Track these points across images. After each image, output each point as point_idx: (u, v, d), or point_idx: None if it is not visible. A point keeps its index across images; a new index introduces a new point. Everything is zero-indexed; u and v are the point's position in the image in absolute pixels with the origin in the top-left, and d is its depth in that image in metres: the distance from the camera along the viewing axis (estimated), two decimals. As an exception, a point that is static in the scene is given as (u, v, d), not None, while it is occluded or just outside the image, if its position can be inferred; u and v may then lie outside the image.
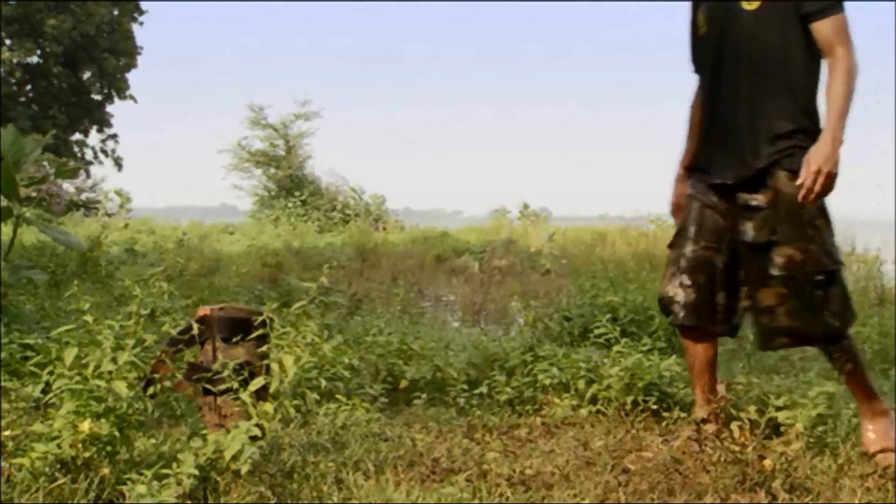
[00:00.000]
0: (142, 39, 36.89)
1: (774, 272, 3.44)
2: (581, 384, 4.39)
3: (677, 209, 3.81)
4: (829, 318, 3.46)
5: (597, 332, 5.19)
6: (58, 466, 2.85)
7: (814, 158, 3.30)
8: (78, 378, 2.93)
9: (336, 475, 3.14)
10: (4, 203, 5.45)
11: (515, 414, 4.31)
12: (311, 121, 25.04)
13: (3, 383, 3.56)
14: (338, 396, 4.21)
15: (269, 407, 3.54)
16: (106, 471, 2.85)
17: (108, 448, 2.92)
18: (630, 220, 20.96)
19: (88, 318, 3.12)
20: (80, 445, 2.86)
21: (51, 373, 3.06)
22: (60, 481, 2.79)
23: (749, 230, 3.51)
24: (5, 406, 3.27)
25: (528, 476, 3.20)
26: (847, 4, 3.46)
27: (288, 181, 24.17)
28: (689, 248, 3.66)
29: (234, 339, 3.26)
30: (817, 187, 3.30)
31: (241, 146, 24.98)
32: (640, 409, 4.25)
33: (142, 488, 2.71)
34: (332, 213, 23.13)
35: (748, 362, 5.34)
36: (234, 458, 2.87)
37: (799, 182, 3.33)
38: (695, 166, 3.73)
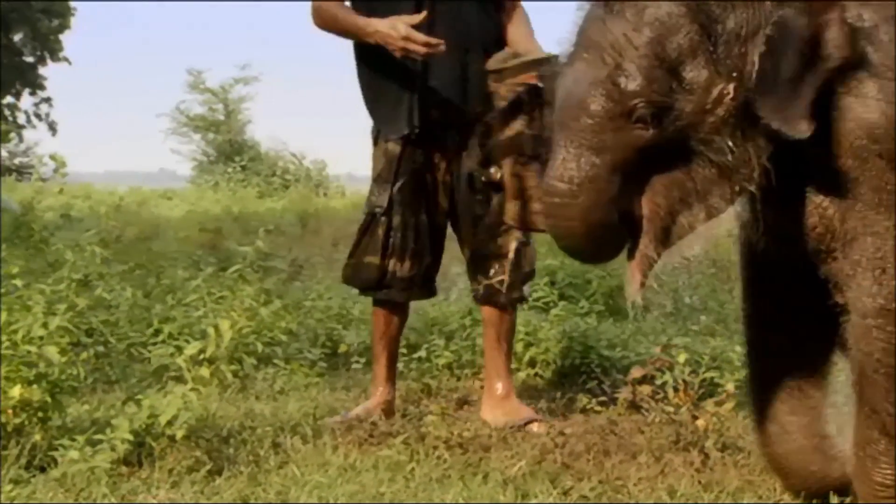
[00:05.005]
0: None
1: None
2: (519, 347, 4.41)
3: None
4: None
5: (535, 295, 5.22)
6: (-12, 433, 2.81)
7: None
8: (8, 343, 2.87)
9: (273, 439, 3.13)
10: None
11: (454, 377, 4.33)
12: (250, 85, 24.74)
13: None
14: (276, 361, 4.19)
15: (205, 371, 3.52)
16: (38, 437, 2.81)
17: (40, 414, 2.87)
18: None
19: (18, 282, 3.06)
20: (10, 412, 2.81)
21: (-21, 339, 3.00)
22: (-9, 448, 2.75)
23: None
24: (-67, 373, 3.20)
25: (465, 439, 3.22)
26: None
27: (227, 146, 23.87)
28: None
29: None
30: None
31: (179, 111, 24.62)
32: (579, 372, 4.29)
33: (74, 454, 2.69)
34: (273, 178, 22.91)
35: (684, 325, 5.42)
36: (170, 422, 2.85)
37: None
38: None
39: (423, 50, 3.29)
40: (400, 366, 4.42)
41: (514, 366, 4.32)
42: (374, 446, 3.12)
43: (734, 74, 2.08)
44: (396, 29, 3.29)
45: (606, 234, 2.16)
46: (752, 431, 3.36)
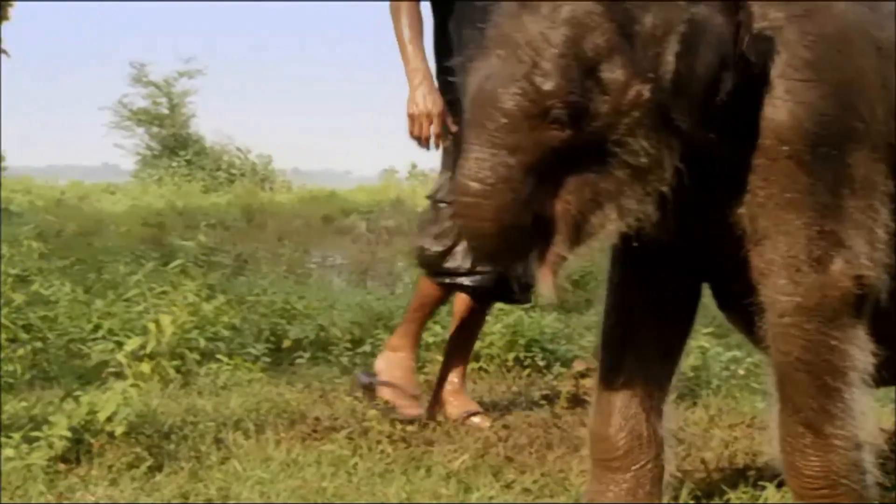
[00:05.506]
0: (16, -9, 35.45)
1: None
2: (464, 341, 4.42)
3: None
4: None
5: (480, 290, 5.22)
6: (-79, 431, 2.76)
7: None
8: (-59, 340, 2.83)
9: (215, 435, 3.10)
10: None
11: (399, 372, 4.32)
12: (195, 78, 24.49)
13: None
14: (219, 357, 4.15)
15: (145, 367, 3.49)
16: (-28, 434, 2.76)
17: (-25, 411, 2.83)
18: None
19: (-50, 278, 3.01)
20: (-56, 409, 2.76)
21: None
22: (-76, 446, 2.70)
23: None
24: None
25: (409, 433, 3.22)
26: None
27: (172, 140, 23.59)
28: None
29: None
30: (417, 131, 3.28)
31: (122, 104, 24.29)
32: (523, 366, 4.32)
33: (10, 451, 2.65)
34: (218, 172, 22.70)
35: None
36: (109, 419, 2.82)
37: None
38: None
39: (425, 136, 3.26)
40: (344, 360, 4.43)
41: (458, 360, 4.34)
42: (317, 441, 3.10)
43: (650, 75, 2.05)
44: (426, 101, 3.24)
45: (518, 234, 2.12)
46: (684, 420, 3.43)
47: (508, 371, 4.28)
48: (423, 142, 3.29)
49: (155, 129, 24.12)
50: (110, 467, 2.74)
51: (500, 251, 2.18)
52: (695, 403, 3.77)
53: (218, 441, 3.05)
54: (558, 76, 2.02)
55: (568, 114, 2.03)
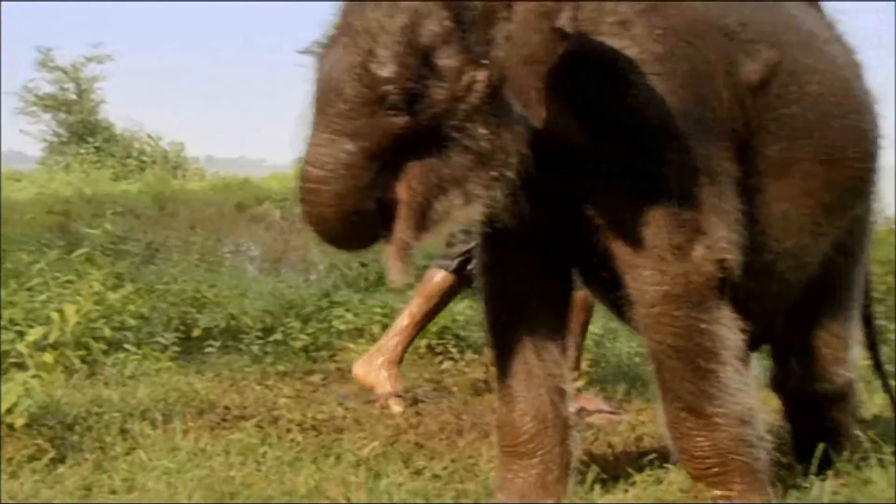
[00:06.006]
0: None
1: None
2: (376, 329, 4.43)
3: None
4: None
5: (393, 277, 5.22)
6: None
7: None
8: None
9: (121, 425, 3.05)
10: None
11: (310, 360, 4.31)
12: (104, 64, 23.97)
13: None
14: (126, 346, 4.08)
15: (48, 357, 3.41)
16: None
17: None
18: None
19: None
20: None
21: None
22: None
23: None
24: None
25: (319, 421, 3.21)
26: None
27: (80, 126, 23.05)
28: None
29: None
30: None
31: (28, 89, 23.66)
32: (435, 353, 4.33)
33: None
34: (128, 160, 22.26)
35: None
36: (9, 410, 2.75)
37: None
38: None
39: None
40: (255, 349, 4.39)
41: (371, 347, 4.34)
42: (225, 430, 3.07)
43: (484, 61, 2.08)
44: None
45: (361, 220, 2.13)
46: (592, 404, 3.48)
47: (420, 358, 4.29)
48: None
49: (62, 116, 23.54)
50: (10, 460, 2.68)
51: (343, 236, 2.19)
52: (603, 389, 3.82)
53: (124, 431, 3.00)
54: (394, 63, 2.05)
55: (405, 100, 2.06)
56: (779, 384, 2.80)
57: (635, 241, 2.27)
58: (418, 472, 2.73)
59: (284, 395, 3.55)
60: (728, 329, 2.31)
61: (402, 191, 2.12)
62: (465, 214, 2.19)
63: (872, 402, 3.67)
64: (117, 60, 24.70)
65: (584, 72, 2.19)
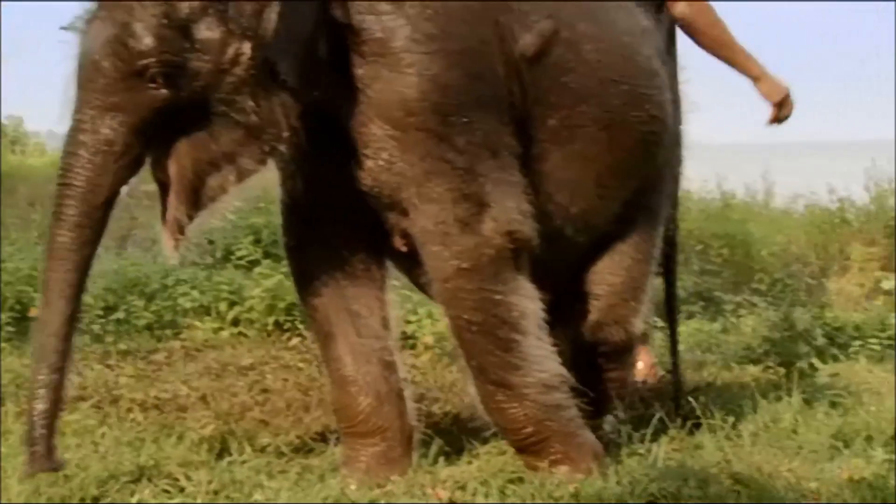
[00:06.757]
0: None
1: None
2: (223, 306, 4.36)
3: None
4: None
5: (238, 254, 5.17)
6: None
7: None
8: None
9: (-52, 410, 2.91)
10: None
11: (154, 338, 4.22)
12: (-65, 31, 22.75)
13: None
14: (-44, 327, 3.90)
15: None
16: None
17: None
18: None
19: None
20: None
21: None
22: None
23: None
24: None
25: (162, 400, 3.14)
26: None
27: None
28: None
29: None
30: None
31: None
32: (283, 330, 4.29)
33: None
34: (-38, 134, 21.26)
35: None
36: None
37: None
38: None
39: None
40: (96, 327, 4.25)
41: (217, 325, 4.28)
42: (62, 412, 2.96)
43: (249, 34, 2.09)
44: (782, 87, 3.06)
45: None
46: (451, 381, 3.51)
47: (269, 335, 4.25)
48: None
49: None
50: None
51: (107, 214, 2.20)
52: (452, 363, 3.86)
53: (-49, 416, 2.87)
54: (150, 36, 2.06)
55: (165, 73, 2.07)
56: (568, 338, 2.75)
57: (422, 219, 2.29)
58: (262, 450, 2.70)
59: (126, 374, 3.46)
60: (526, 299, 2.35)
61: (172, 167, 2.13)
62: (238, 190, 2.19)
63: (706, 370, 3.83)
64: (-50, 29, 23.51)
65: (358, 50, 2.21)
